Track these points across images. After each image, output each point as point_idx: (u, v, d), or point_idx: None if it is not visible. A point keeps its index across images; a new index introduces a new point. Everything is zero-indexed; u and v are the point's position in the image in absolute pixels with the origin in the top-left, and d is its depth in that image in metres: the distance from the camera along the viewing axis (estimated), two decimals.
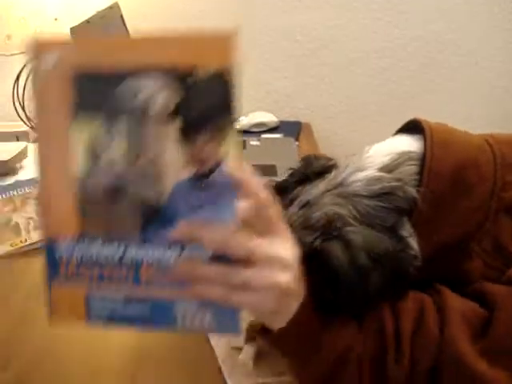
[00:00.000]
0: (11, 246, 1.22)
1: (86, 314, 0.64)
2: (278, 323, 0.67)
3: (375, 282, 0.70)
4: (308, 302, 0.67)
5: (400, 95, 2.11)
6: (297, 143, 1.80)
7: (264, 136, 1.81)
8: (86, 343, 0.95)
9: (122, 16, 1.65)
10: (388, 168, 0.77)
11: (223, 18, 1.98)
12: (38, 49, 0.58)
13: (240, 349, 0.88)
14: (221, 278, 0.60)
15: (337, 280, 0.69)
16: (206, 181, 0.58)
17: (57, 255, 0.63)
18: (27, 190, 1.35)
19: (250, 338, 0.88)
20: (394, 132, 0.87)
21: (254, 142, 1.72)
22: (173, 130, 0.58)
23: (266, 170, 1.49)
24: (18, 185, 1.38)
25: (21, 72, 1.78)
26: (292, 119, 2.04)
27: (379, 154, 0.79)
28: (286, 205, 0.81)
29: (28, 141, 1.74)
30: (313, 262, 0.70)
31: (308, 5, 1.99)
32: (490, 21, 2.00)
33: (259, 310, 0.65)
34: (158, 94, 0.57)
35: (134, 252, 0.61)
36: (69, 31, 1.19)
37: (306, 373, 0.72)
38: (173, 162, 0.58)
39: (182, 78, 0.56)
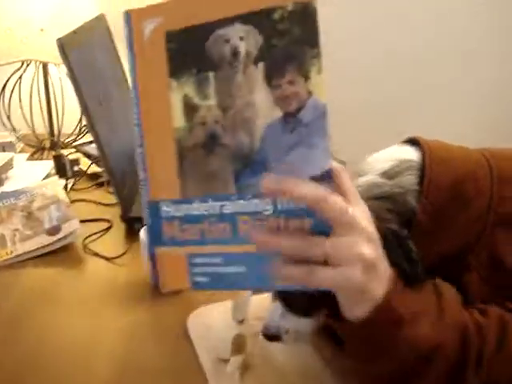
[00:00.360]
0: None
1: (189, 279, 0.65)
2: (362, 308, 0.64)
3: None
4: (394, 288, 0.64)
5: (388, 106, 2.12)
6: None
7: None
8: (75, 347, 0.96)
9: (108, 27, 1.65)
10: (388, 174, 0.77)
11: None
12: (134, 20, 0.63)
13: (226, 360, 0.88)
14: (302, 250, 0.59)
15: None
16: (294, 120, 0.58)
17: (160, 218, 0.64)
18: (13, 202, 1.34)
19: (236, 350, 0.88)
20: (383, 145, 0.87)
21: None
22: (259, 73, 0.59)
23: None
24: (4, 196, 1.37)
25: (6, 83, 1.78)
26: None
27: (379, 160, 0.79)
28: None
29: (14, 151, 1.73)
30: None
31: None
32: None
33: (345, 287, 0.61)
34: (241, 42, 0.59)
35: (231, 207, 0.61)
36: (55, 42, 1.19)
37: (383, 366, 0.69)
38: (262, 106, 0.59)
39: (261, 21, 0.57)
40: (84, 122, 1.80)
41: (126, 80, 1.70)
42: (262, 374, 0.86)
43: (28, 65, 1.77)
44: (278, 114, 0.58)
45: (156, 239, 0.65)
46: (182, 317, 1.00)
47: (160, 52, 0.61)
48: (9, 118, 1.78)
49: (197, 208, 0.62)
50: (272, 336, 0.82)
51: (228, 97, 0.60)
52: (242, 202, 0.60)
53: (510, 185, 0.77)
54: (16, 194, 1.37)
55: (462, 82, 2.11)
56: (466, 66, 2.09)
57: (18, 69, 1.77)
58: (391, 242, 0.68)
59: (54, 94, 1.83)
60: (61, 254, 1.24)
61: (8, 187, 1.47)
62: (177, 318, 1.01)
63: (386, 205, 0.75)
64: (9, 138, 1.79)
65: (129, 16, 0.62)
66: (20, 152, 1.79)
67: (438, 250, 0.76)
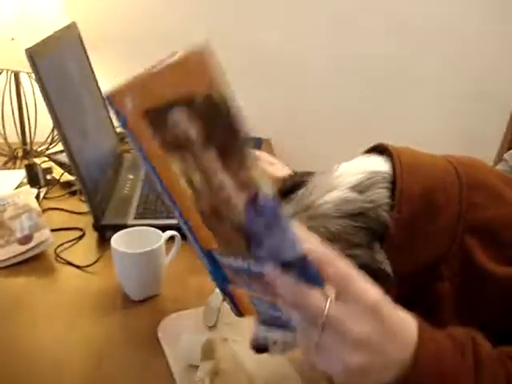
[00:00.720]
0: None
1: (257, 313, 0.69)
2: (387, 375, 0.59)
3: None
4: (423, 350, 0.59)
5: (365, 112, 2.14)
6: None
7: None
8: (46, 356, 0.96)
9: (79, 35, 1.65)
10: (359, 188, 0.75)
11: (186, 37, 2.00)
12: (116, 99, 0.58)
13: (196, 366, 0.88)
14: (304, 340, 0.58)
15: None
16: (256, 205, 0.54)
17: (217, 263, 0.66)
18: None
19: (206, 356, 0.89)
20: (356, 149, 0.86)
21: None
22: (214, 159, 0.54)
23: None
24: None
25: None
26: (252, 135, 2.06)
27: (349, 172, 0.77)
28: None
29: None
30: None
31: (268, 23, 2.02)
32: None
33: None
34: (188, 126, 0.54)
35: (254, 266, 0.60)
36: (24, 52, 1.19)
37: None
38: (231, 189, 0.55)
39: (191, 106, 0.52)
40: (56, 131, 1.80)
41: (99, 88, 1.70)
42: (231, 380, 0.87)
43: None
44: (245, 197, 0.54)
45: (224, 280, 0.68)
46: (153, 324, 1.01)
47: (146, 128, 0.58)
48: None
49: (234, 262, 0.63)
50: (260, 348, 0.81)
51: (204, 178, 0.57)
52: (260, 266, 0.60)
53: (479, 191, 0.76)
54: None
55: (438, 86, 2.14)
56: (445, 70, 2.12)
57: None
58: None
59: (26, 102, 1.82)
60: (32, 263, 1.24)
61: None
62: (148, 326, 1.02)
63: (357, 222, 0.73)
64: None
65: (110, 98, 0.58)
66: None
67: (411, 261, 0.75)
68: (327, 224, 0.73)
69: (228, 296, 0.71)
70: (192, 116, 0.53)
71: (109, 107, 0.59)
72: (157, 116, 0.56)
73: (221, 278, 0.68)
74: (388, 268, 0.72)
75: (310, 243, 0.57)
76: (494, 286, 0.74)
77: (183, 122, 0.53)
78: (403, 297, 0.75)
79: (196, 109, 0.52)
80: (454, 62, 2.11)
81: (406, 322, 0.60)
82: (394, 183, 0.75)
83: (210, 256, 0.67)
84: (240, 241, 0.59)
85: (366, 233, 0.73)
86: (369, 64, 2.08)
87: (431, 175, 0.77)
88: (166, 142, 0.57)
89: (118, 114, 0.58)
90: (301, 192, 0.78)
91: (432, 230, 0.75)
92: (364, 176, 0.76)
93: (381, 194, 0.74)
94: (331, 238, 0.72)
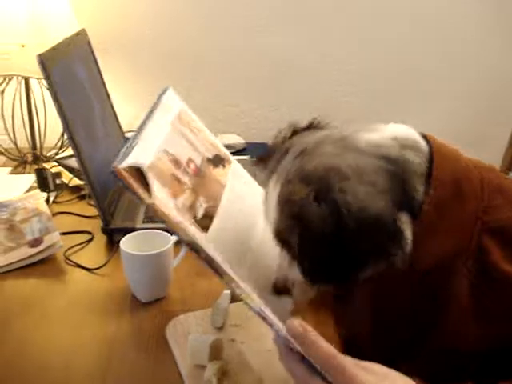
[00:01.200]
0: None
1: None
2: None
3: (361, 249, 0.70)
4: None
5: (375, 116, 2.15)
6: None
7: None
8: (55, 356, 0.97)
9: (89, 42, 1.67)
10: (399, 141, 0.74)
11: (195, 43, 2.03)
12: None
13: (204, 366, 0.90)
14: None
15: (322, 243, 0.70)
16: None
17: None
18: None
19: (214, 356, 0.91)
20: None
21: None
22: None
23: None
24: None
25: None
26: (260, 141, 2.08)
27: (392, 128, 0.77)
28: (282, 154, 0.79)
29: None
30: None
31: (277, 27, 2.04)
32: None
33: None
34: None
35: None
36: (36, 58, 1.21)
37: None
38: None
39: None
40: (66, 136, 1.82)
41: (107, 94, 1.73)
42: (239, 380, 0.89)
43: (10, 80, 1.78)
44: None
45: None
46: (161, 325, 1.03)
47: None
48: None
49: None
50: (281, 289, 0.82)
51: None
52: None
53: (498, 193, 0.77)
54: None
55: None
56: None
57: (0, 84, 1.79)
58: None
59: (36, 108, 1.85)
60: (42, 265, 1.26)
61: None
62: (156, 327, 1.03)
63: (389, 166, 0.72)
64: None
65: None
66: (2, 166, 1.80)
67: (434, 249, 0.75)
68: (358, 158, 0.72)
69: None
70: None
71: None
72: None
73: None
74: (407, 233, 0.71)
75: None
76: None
77: None
78: (418, 292, 0.78)
79: None
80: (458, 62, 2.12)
81: None
82: (431, 163, 0.74)
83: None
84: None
85: (394, 183, 0.71)
86: (380, 69, 2.10)
87: (458, 165, 0.78)
88: None
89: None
90: (342, 125, 0.79)
91: (457, 220, 0.75)
92: (408, 136, 0.76)
93: (417, 161, 0.74)
94: (357, 173, 0.71)
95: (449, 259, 0.75)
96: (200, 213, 0.77)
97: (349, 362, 0.64)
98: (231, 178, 0.94)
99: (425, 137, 0.78)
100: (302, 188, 0.71)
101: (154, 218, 1.36)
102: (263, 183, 0.82)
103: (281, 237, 0.77)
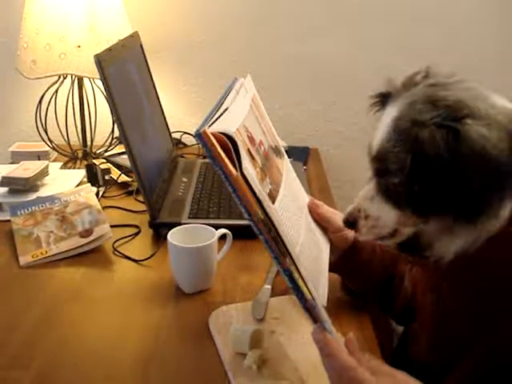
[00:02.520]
0: (32, 257, 1.29)
1: None
2: None
3: (470, 183, 0.70)
4: None
5: None
6: (304, 167, 1.89)
7: None
8: (102, 342, 1.03)
9: (141, 44, 1.74)
10: None
11: (244, 45, 2.07)
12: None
13: (245, 354, 0.94)
14: None
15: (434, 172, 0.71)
16: None
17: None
18: (48, 206, 1.43)
19: (254, 345, 0.95)
20: None
21: None
22: None
23: None
24: (39, 201, 1.46)
25: (43, 95, 1.87)
26: (301, 144, 2.12)
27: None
28: (411, 86, 0.80)
29: (49, 160, 1.83)
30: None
31: (318, 33, 2.08)
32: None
33: None
34: None
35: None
36: (93, 58, 1.27)
37: None
38: None
39: None
40: (115, 135, 1.89)
41: (157, 95, 1.79)
42: (277, 368, 0.93)
43: (64, 78, 1.86)
44: None
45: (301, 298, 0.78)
46: (204, 315, 1.07)
47: None
48: (45, 129, 1.87)
49: None
50: (351, 221, 0.85)
51: None
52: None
53: None
54: (51, 199, 1.46)
55: None
56: None
57: (55, 82, 1.86)
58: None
59: (89, 107, 1.92)
60: (92, 255, 1.32)
61: (43, 192, 1.55)
62: (199, 317, 1.08)
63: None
64: (44, 147, 1.88)
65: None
66: (54, 161, 1.88)
67: None
68: (491, 106, 0.74)
69: (304, 309, 0.78)
70: None
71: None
72: None
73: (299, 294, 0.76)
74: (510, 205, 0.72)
75: None
76: None
77: None
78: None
79: None
80: None
81: None
82: None
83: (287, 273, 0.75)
84: None
85: None
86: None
87: None
88: None
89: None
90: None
91: None
92: None
93: None
94: (486, 117, 0.72)
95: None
96: (267, 192, 0.77)
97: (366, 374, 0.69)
98: (286, 170, 0.97)
99: None
100: (428, 110, 0.73)
101: (199, 213, 1.42)
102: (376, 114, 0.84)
103: (383, 159, 0.78)
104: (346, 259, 1.03)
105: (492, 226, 0.72)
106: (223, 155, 0.68)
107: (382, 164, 0.79)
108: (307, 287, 0.76)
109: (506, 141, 0.71)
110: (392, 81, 0.86)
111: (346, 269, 1.06)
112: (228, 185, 0.69)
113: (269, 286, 1.14)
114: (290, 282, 0.75)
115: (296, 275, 0.74)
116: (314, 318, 0.76)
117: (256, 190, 0.70)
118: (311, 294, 0.76)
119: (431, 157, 0.70)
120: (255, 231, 0.72)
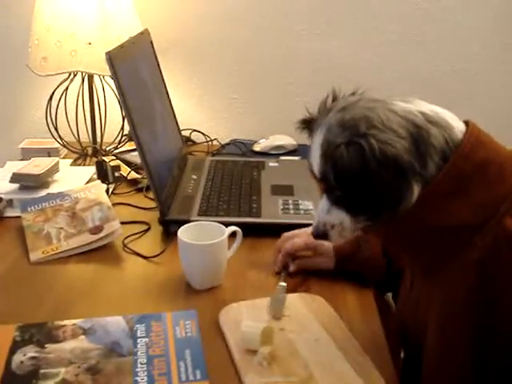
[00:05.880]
0: (43, 253, 1.30)
1: None
2: None
3: (381, 186, 0.81)
4: None
5: None
6: None
7: (282, 158, 1.89)
8: None
9: (151, 41, 1.75)
10: (425, 117, 0.84)
11: (254, 43, 2.07)
12: None
13: (255, 351, 0.94)
14: None
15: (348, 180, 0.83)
16: None
17: None
18: (58, 202, 1.44)
19: (264, 342, 0.95)
20: None
21: (272, 164, 1.80)
22: None
23: (284, 190, 1.56)
24: (50, 197, 1.47)
25: (54, 92, 1.88)
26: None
27: (426, 105, 0.87)
28: (326, 112, 0.91)
29: (59, 156, 1.83)
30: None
31: (329, 32, 2.08)
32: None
33: None
34: None
35: None
36: (104, 55, 1.27)
37: None
38: None
39: None
40: (125, 132, 1.90)
41: (167, 93, 1.80)
42: (287, 364, 0.93)
43: (75, 76, 1.86)
44: None
45: None
46: (214, 312, 1.08)
47: None
48: (55, 126, 1.88)
49: None
50: (320, 234, 0.94)
51: None
52: None
53: None
54: (61, 195, 1.47)
55: None
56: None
57: (65, 80, 1.87)
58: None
59: (99, 104, 1.92)
60: (102, 251, 1.32)
61: (53, 189, 1.56)
62: (209, 314, 1.08)
63: (410, 130, 0.82)
64: (54, 144, 1.89)
65: None
66: (64, 158, 1.88)
67: (449, 217, 0.83)
68: (389, 115, 0.84)
69: None
70: None
71: None
72: None
73: None
74: (416, 189, 0.82)
75: None
76: None
77: None
78: (427, 264, 0.88)
79: None
80: None
81: None
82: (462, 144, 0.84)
83: None
84: None
85: (414, 145, 0.82)
86: (428, 78, 2.11)
87: (496, 151, 0.86)
88: None
89: None
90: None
91: (478, 196, 0.83)
92: (438, 116, 0.86)
93: (439, 140, 0.83)
94: (385, 124, 0.82)
95: (458, 230, 0.83)
96: None
97: None
98: None
99: (466, 122, 0.87)
100: (339, 133, 0.85)
101: (208, 211, 1.43)
102: (309, 139, 0.95)
103: (324, 179, 0.89)
104: (345, 264, 1.20)
105: (408, 204, 0.83)
106: None
107: (325, 183, 0.90)
108: None
109: (407, 138, 0.82)
110: (309, 109, 0.98)
111: (352, 268, 1.20)
112: None
113: (284, 284, 1.14)
114: None
115: None
116: None
117: None
118: None
119: (345, 172, 0.83)
120: None
